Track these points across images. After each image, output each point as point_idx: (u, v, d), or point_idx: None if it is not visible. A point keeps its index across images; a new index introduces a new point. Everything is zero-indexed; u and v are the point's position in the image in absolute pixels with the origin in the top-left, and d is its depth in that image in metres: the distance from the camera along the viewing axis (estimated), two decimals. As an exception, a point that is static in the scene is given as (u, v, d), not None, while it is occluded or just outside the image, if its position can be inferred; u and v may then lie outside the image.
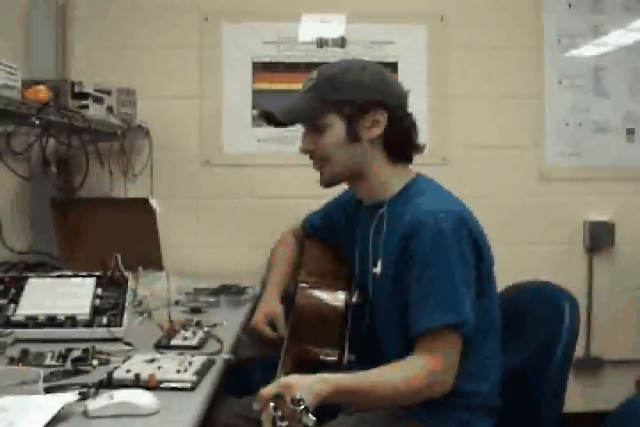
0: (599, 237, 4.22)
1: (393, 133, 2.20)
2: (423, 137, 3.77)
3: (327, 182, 2.29)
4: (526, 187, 4.23)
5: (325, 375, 1.80)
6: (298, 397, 1.40)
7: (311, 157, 2.28)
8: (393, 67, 4.07)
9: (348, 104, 2.17)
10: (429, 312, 1.96)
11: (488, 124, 4.20)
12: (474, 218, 2.11)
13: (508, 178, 4.22)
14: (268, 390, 1.66)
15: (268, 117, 2.28)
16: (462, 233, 2.01)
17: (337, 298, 2.27)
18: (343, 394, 1.79)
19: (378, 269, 2.17)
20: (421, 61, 4.15)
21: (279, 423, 1.30)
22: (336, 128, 2.18)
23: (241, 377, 2.57)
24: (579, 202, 4.25)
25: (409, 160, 2.29)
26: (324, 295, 2.30)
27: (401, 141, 2.25)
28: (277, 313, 2.55)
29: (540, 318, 2.32)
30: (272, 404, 1.40)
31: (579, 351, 4.26)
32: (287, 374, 2.01)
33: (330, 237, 2.62)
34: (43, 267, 3.33)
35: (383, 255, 2.17)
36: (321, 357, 2.15)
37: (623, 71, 4.25)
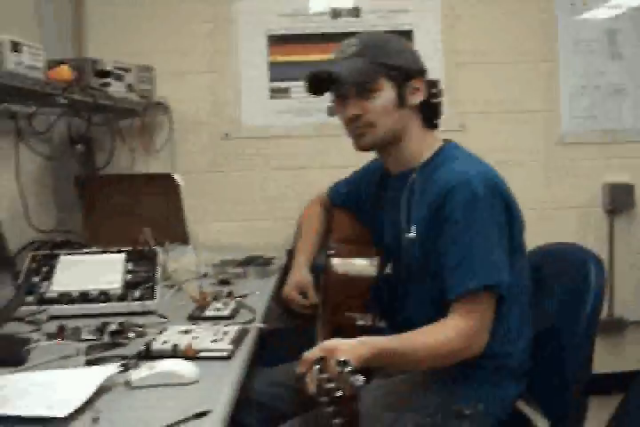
0: (619, 199, 4.23)
1: (430, 101, 2.26)
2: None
3: (367, 147, 2.29)
4: (544, 151, 4.24)
5: (364, 338, 1.83)
6: (343, 359, 1.42)
7: (352, 124, 2.26)
8: (408, 35, 4.08)
9: (397, 70, 2.19)
10: (468, 274, 1.99)
11: (504, 89, 4.20)
12: (504, 180, 2.14)
13: (526, 143, 4.23)
14: (311, 354, 1.70)
15: (316, 80, 2.27)
16: (494, 194, 2.04)
17: (368, 264, 2.30)
18: (382, 356, 1.83)
19: (412, 234, 2.19)
20: (436, 29, 4.14)
21: (326, 385, 1.32)
22: (386, 92, 2.19)
23: (269, 348, 2.60)
24: (597, 165, 4.26)
25: (436, 127, 2.33)
26: (358, 262, 2.33)
27: (435, 109, 2.30)
28: (308, 282, 2.59)
29: (567, 279, 2.32)
30: (317, 367, 1.43)
31: (602, 313, 4.28)
32: (325, 338, 2.05)
33: (354, 206, 2.65)
34: (69, 245, 3.36)
35: (417, 220, 2.19)
36: (356, 322, 2.19)
37: (637, 33, 4.23)
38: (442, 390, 2.15)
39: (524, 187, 4.03)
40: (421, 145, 2.27)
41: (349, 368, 1.37)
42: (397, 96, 2.20)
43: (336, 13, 4.12)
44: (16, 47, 2.37)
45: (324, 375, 1.36)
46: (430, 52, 4.05)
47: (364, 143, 2.27)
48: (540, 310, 2.30)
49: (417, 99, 2.23)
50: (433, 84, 2.28)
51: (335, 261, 2.33)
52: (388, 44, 2.23)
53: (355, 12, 4.12)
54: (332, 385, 1.31)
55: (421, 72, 2.26)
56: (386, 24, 4.10)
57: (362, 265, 2.31)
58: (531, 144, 4.24)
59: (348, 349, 1.72)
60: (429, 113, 2.29)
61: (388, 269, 2.31)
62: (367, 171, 2.61)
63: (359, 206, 2.61)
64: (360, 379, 1.33)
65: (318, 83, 2.27)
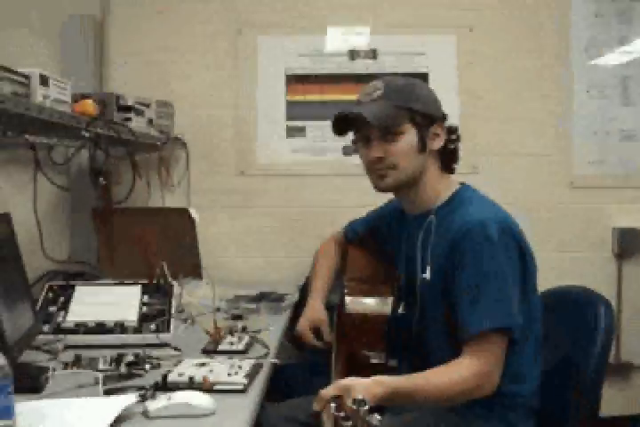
0: (628, 244, 4.25)
1: (448, 146, 2.32)
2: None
3: (388, 189, 2.35)
4: (555, 194, 4.27)
5: (379, 378, 1.86)
6: (360, 397, 1.45)
7: (374, 166, 2.31)
8: (424, 77, 4.12)
9: (421, 115, 2.26)
10: (481, 315, 2.03)
11: (518, 132, 4.24)
12: (518, 224, 2.19)
13: (538, 186, 4.26)
14: (327, 391, 1.73)
15: (344, 120, 2.33)
16: (508, 238, 2.09)
17: (382, 303, 2.33)
18: (397, 395, 1.86)
19: (427, 275, 2.23)
20: (451, 72, 4.20)
21: (344, 424, 1.34)
22: (410, 136, 2.25)
23: (279, 383, 2.62)
24: (607, 209, 4.28)
25: (453, 171, 2.40)
26: (372, 301, 2.37)
27: (453, 154, 2.37)
28: (323, 320, 2.63)
29: (577, 321, 2.37)
30: (333, 405, 1.45)
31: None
32: (341, 376, 2.07)
33: (371, 245, 2.68)
34: (83, 276, 3.39)
35: (432, 261, 2.23)
36: (371, 360, 2.21)
37: (650, 80, 4.29)
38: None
39: (534, 229, 4.04)
40: (438, 188, 2.32)
41: (366, 407, 1.39)
42: (419, 140, 2.26)
43: (354, 55, 4.18)
44: (44, 81, 2.42)
45: (341, 414, 1.38)
46: (445, 94, 4.07)
47: (385, 185, 2.32)
48: (550, 350, 2.32)
49: (437, 144, 2.30)
50: (452, 130, 2.35)
51: (350, 299, 2.37)
52: (413, 89, 2.30)
53: (372, 53, 4.18)
54: (349, 424, 1.33)
55: (442, 118, 2.32)
56: (402, 66, 4.15)
57: (376, 304, 2.35)
58: (542, 187, 4.26)
59: (364, 388, 1.75)
60: (447, 158, 2.35)
61: (401, 310, 2.34)
62: (385, 210, 2.65)
63: (377, 246, 2.65)
64: (378, 418, 1.35)
65: (345, 123, 2.33)
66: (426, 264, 2.25)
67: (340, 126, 2.36)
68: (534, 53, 4.24)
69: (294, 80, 4.18)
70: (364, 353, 2.23)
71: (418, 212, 2.36)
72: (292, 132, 4.15)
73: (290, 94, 4.18)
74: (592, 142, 4.28)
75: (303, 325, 2.64)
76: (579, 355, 2.27)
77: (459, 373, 2.00)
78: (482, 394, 2.03)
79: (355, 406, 1.40)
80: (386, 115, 2.24)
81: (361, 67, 4.18)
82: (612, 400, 4.17)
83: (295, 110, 4.15)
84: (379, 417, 1.35)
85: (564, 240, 4.26)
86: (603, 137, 4.28)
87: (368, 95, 2.30)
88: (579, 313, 2.39)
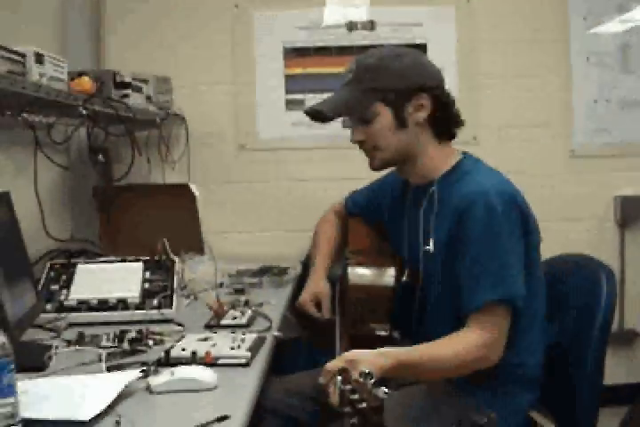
0: (630, 212, 4.25)
1: (438, 114, 2.27)
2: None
3: (379, 168, 2.38)
4: (557, 164, 4.27)
5: (384, 350, 1.87)
6: (366, 371, 1.45)
7: (361, 147, 2.34)
8: (422, 48, 4.10)
9: (392, 92, 2.22)
10: (484, 287, 2.03)
11: (517, 102, 4.23)
12: (521, 193, 2.17)
13: (539, 156, 4.25)
14: (333, 365, 1.74)
15: (315, 115, 2.36)
16: (511, 208, 2.08)
17: (386, 275, 2.32)
18: (402, 367, 1.87)
19: (430, 247, 2.22)
20: (450, 42, 4.18)
21: (350, 396, 1.34)
22: (384, 116, 2.23)
23: (281, 357, 2.63)
24: (609, 178, 4.28)
25: (453, 137, 2.36)
26: (375, 273, 2.35)
27: (446, 120, 2.31)
28: (324, 293, 2.63)
29: (579, 289, 2.36)
30: (339, 378, 1.45)
31: (613, 324, 4.29)
32: (345, 349, 2.07)
33: (372, 216, 2.67)
34: (85, 254, 3.38)
35: (435, 233, 2.22)
36: (375, 332, 2.20)
37: (649, 47, 4.27)
38: (458, 402, 2.17)
39: (536, 199, 4.05)
40: (438, 158, 2.29)
41: (372, 380, 1.39)
42: (396, 118, 2.24)
43: (351, 26, 4.16)
44: (40, 59, 2.41)
45: (347, 387, 1.37)
46: (444, 65, 4.06)
47: (375, 165, 2.35)
48: (553, 321, 2.32)
49: (420, 116, 2.25)
50: (442, 96, 2.29)
51: (353, 271, 2.35)
52: (386, 65, 2.25)
53: (370, 25, 4.16)
54: (355, 396, 1.33)
55: (424, 88, 2.24)
56: (400, 37, 4.13)
57: (379, 276, 2.33)
58: (543, 157, 4.26)
59: (369, 360, 1.76)
60: (441, 126, 2.30)
61: (404, 277, 2.33)
62: (386, 181, 2.62)
63: (377, 217, 2.64)
64: (384, 391, 1.35)
65: (317, 115, 2.36)
66: (429, 236, 2.24)
67: (318, 119, 2.38)
68: (533, 23, 4.22)
69: (292, 53, 4.17)
70: (369, 325, 2.22)
71: (420, 182, 2.34)
72: (292, 105, 4.14)
73: (288, 68, 4.17)
74: (592, 111, 4.26)
75: (305, 297, 2.63)
76: (581, 325, 2.26)
77: (462, 344, 2.01)
78: (485, 365, 2.04)
79: (361, 379, 1.40)
80: (347, 104, 2.26)
81: (359, 38, 4.16)
82: (616, 368, 4.20)
83: (294, 83, 4.14)
84: (385, 390, 1.34)
85: (566, 209, 4.26)
86: (603, 105, 4.27)
87: (342, 78, 2.31)
88: (581, 282, 2.37)
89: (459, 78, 4.15)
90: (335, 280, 2.66)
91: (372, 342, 2.01)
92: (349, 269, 2.36)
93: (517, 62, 4.23)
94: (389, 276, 2.31)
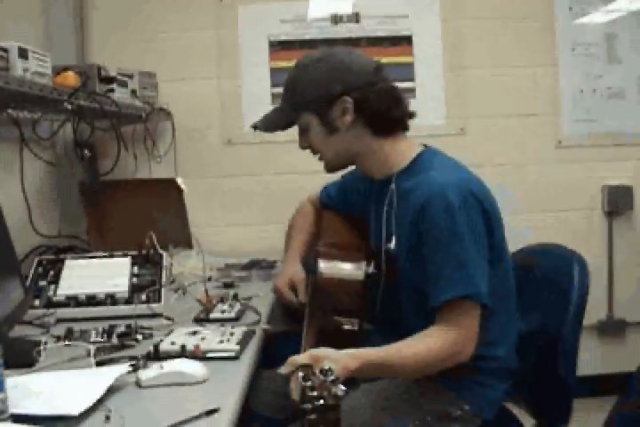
0: (618, 201, 4.27)
1: (366, 113, 2.23)
2: (441, 108, 3.83)
3: (330, 171, 2.44)
4: (544, 154, 4.27)
5: (352, 351, 1.84)
6: (327, 367, 1.43)
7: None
8: (408, 40, 4.12)
9: (312, 102, 2.25)
10: (444, 285, 2.01)
11: (504, 93, 4.23)
12: (482, 187, 2.15)
13: (526, 146, 4.25)
14: (296, 358, 1.72)
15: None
16: (471, 204, 2.05)
17: (357, 268, 2.28)
18: (370, 368, 1.85)
19: (392, 244, 2.22)
20: (435, 34, 4.17)
21: (309, 393, 1.33)
22: (313, 125, 2.28)
23: (272, 351, 2.63)
24: (597, 167, 4.29)
25: (403, 130, 2.32)
26: (345, 266, 2.32)
27: (378, 117, 2.26)
28: (300, 278, 2.62)
29: (552, 279, 2.37)
30: (301, 374, 1.44)
31: (602, 314, 4.31)
32: (311, 345, 2.07)
33: (344, 209, 2.67)
34: (73, 250, 3.38)
35: (396, 230, 2.22)
36: (343, 327, 2.18)
37: (635, 37, 4.27)
38: (430, 394, 2.17)
39: (524, 189, 4.08)
40: (393, 154, 2.28)
41: (332, 377, 1.38)
42: (324, 125, 2.26)
43: (336, 19, 4.15)
44: (23, 53, 2.40)
45: (308, 383, 1.37)
46: (430, 57, 4.09)
47: (326, 169, 2.42)
48: (526, 310, 2.32)
49: (347, 119, 2.23)
50: (366, 95, 2.23)
51: (323, 264, 2.31)
52: (299, 78, 2.30)
53: (354, 17, 4.15)
54: (314, 393, 1.32)
55: (345, 91, 2.22)
56: (385, 29, 4.13)
57: (350, 269, 2.30)
58: (530, 147, 4.26)
59: (335, 359, 1.73)
60: (377, 123, 2.26)
61: (370, 269, 2.31)
62: (356, 175, 2.58)
63: (349, 210, 2.64)
64: (342, 389, 1.34)
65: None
66: (390, 233, 2.24)
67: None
68: (519, 13, 4.22)
69: (278, 47, 4.16)
70: (336, 319, 2.20)
71: (381, 178, 2.32)
72: (278, 98, 4.07)
73: (274, 61, 4.17)
74: (579, 101, 4.28)
75: (282, 282, 2.63)
76: (554, 314, 2.28)
77: (431, 343, 1.99)
78: (456, 362, 2.02)
79: (321, 376, 1.39)
80: (273, 119, 2.41)
81: (344, 31, 4.16)
82: (607, 358, 4.23)
83: (280, 77, 4.07)
84: (343, 388, 1.34)
85: (554, 199, 4.27)
86: (589, 95, 4.28)
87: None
88: (554, 271, 2.39)
89: (445, 70, 4.14)
90: (310, 269, 2.64)
91: (340, 337, 2.01)
92: (320, 262, 2.32)
93: (504, 53, 4.23)
94: (360, 270, 2.27)
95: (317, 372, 1.42)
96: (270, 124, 2.41)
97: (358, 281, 2.26)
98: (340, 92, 2.22)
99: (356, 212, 2.58)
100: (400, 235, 2.20)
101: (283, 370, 1.71)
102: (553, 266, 2.41)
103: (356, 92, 2.22)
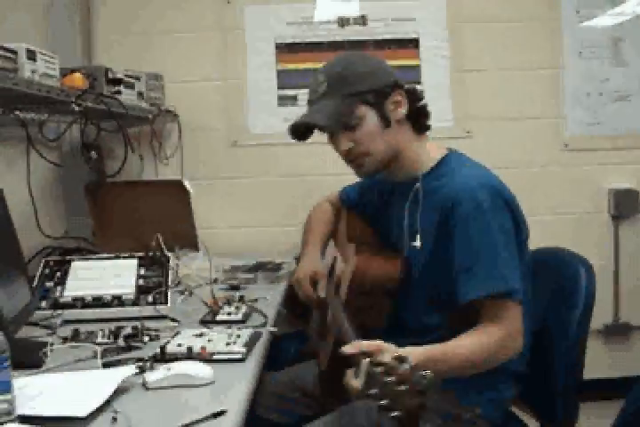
0: (624, 205, 4.25)
1: (412, 108, 2.25)
2: (446, 111, 3.82)
3: (370, 175, 2.33)
4: (549, 157, 4.26)
5: (409, 349, 1.83)
6: (402, 355, 1.41)
7: (347, 156, 2.28)
8: (415, 42, 4.12)
9: (370, 93, 2.19)
10: (478, 282, 2.01)
11: (510, 95, 4.22)
12: (507, 188, 2.15)
13: (532, 148, 4.25)
14: (362, 343, 1.69)
15: (296, 129, 2.31)
16: (499, 203, 2.06)
17: (394, 269, 2.27)
18: (430, 362, 1.83)
19: (417, 243, 2.20)
20: (442, 37, 4.16)
21: (385, 379, 1.31)
22: (369, 118, 2.19)
23: (277, 353, 2.63)
24: (602, 170, 4.27)
25: (428, 128, 2.33)
26: (382, 265, 2.29)
27: (421, 112, 2.29)
28: (323, 274, 2.57)
29: (558, 284, 2.37)
30: (367, 360, 1.41)
31: (607, 318, 4.31)
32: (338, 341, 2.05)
33: (362, 211, 2.66)
34: (80, 251, 3.39)
35: (421, 229, 2.20)
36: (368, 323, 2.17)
37: (641, 40, 4.27)
38: (443, 396, 2.17)
39: (529, 192, 4.06)
40: (421, 154, 2.27)
41: (410, 364, 1.36)
42: (381, 118, 2.21)
43: (343, 22, 4.15)
44: (31, 55, 2.40)
45: (378, 369, 1.34)
46: (437, 60, 4.09)
47: (364, 172, 2.31)
48: (533, 314, 2.32)
49: (401, 111, 2.23)
50: (411, 90, 2.28)
51: (361, 259, 2.26)
52: (353, 70, 2.22)
53: (361, 20, 4.15)
54: (390, 379, 1.30)
55: (396, 85, 2.23)
56: (392, 32, 4.13)
57: (387, 269, 2.27)
58: (536, 150, 4.25)
59: (405, 350, 1.73)
60: (418, 119, 2.29)
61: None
62: (373, 179, 2.58)
63: (366, 212, 2.63)
64: (423, 373, 1.32)
65: (302, 133, 2.32)
66: (415, 232, 2.22)
67: (301, 135, 2.34)
68: (525, 16, 4.21)
69: (284, 49, 4.16)
70: (365, 316, 2.18)
71: (404, 180, 2.30)
72: (284, 100, 4.14)
73: (280, 63, 4.17)
74: (585, 104, 4.26)
75: (302, 274, 2.56)
76: (560, 319, 2.28)
77: (480, 340, 1.99)
78: (506, 358, 2.04)
79: (397, 363, 1.37)
80: (336, 112, 2.18)
81: (351, 34, 4.16)
82: (613, 362, 4.21)
83: (286, 79, 4.14)
84: (426, 372, 1.32)
85: (560, 203, 4.27)
86: (596, 98, 4.27)
87: (314, 92, 2.24)
88: (560, 276, 2.38)
89: (451, 72, 4.14)
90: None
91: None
92: (359, 257, 2.27)
93: (510, 56, 4.22)
94: (396, 271, 2.25)
95: (392, 359, 1.39)
96: (333, 116, 2.18)
97: (395, 278, 2.22)
98: (392, 84, 2.23)
99: (368, 214, 2.57)
100: (426, 233, 2.19)
101: (347, 349, 1.67)
102: (558, 270, 2.41)
103: (403, 87, 2.25)
